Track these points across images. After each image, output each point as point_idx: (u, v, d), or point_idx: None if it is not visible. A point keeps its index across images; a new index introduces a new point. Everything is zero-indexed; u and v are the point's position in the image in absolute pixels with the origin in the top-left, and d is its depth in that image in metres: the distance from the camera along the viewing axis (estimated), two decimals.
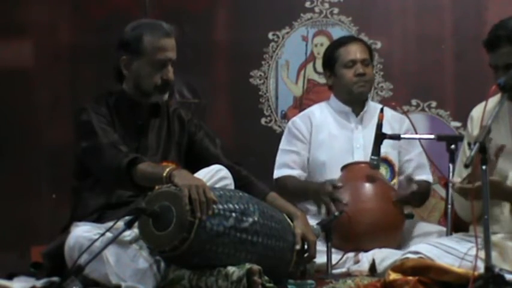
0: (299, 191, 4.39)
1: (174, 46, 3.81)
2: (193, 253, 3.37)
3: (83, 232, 3.53)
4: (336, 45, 4.52)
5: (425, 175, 4.46)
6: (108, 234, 3.39)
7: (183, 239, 3.33)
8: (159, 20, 3.86)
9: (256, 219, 3.50)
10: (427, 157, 4.42)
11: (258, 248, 3.49)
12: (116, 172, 3.61)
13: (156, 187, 3.64)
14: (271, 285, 3.41)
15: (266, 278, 3.41)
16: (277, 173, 4.48)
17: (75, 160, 3.86)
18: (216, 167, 3.79)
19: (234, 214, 3.45)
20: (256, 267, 3.39)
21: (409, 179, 4.20)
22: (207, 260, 3.41)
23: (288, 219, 3.71)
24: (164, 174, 3.50)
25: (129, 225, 3.40)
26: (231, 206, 3.47)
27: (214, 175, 3.75)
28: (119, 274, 3.47)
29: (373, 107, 4.47)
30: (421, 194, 4.31)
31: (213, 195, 3.41)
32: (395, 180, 4.32)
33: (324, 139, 4.45)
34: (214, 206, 3.41)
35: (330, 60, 4.48)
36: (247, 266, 3.39)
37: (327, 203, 4.15)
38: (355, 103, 4.49)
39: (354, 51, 4.43)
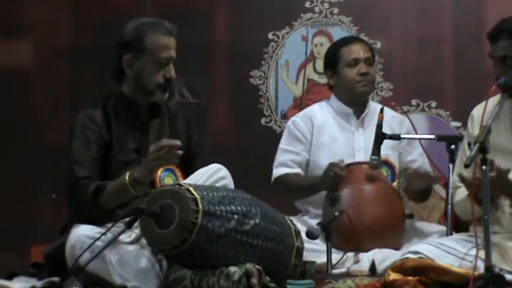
0: (300, 186, 4.37)
1: (175, 45, 3.82)
2: (192, 253, 3.36)
3: (84, 231, 3.54)
4: (338, 45, 4.49)
5: None
6: (110, 234, 3.40)
7: (184, 239, 3.32)
8: (160, 19, 3.87)
9: (257, 221, 3.49)
10: (427, 157, 4.43)
11: (257, 251, 3.48)
12: (86, 208, 3.65)
13: (159, 185, 3.65)
14: (273, 285, 3.41)
15: (268, 278, 3.41)
16: (276, 172, 4.45)
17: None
18: (215, 166, 3.80)
19: (236, 216, 3.44)
20: (254, 268, 3.38)
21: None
22: (206, 260, 3.40)
23: (289, 221, 3.71)
24: (127, 178, 3.55)
25: (129, 226, 3.40)
26: (233, 208, 3.45)
27: (213, 174, 3.76)
28: (121, 274, 3.47)
29: (373, 109, 4.43)
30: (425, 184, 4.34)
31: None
32: (395, 183, 4.30)
33: (325, 142, 4.43)
34: (217, 208, 3.40)
35: (332, 60, 4.44)
36: (248, 265, 3.39)
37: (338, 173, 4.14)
38: (357, 104, 4.47)
39: (357, 50, 4.40)
